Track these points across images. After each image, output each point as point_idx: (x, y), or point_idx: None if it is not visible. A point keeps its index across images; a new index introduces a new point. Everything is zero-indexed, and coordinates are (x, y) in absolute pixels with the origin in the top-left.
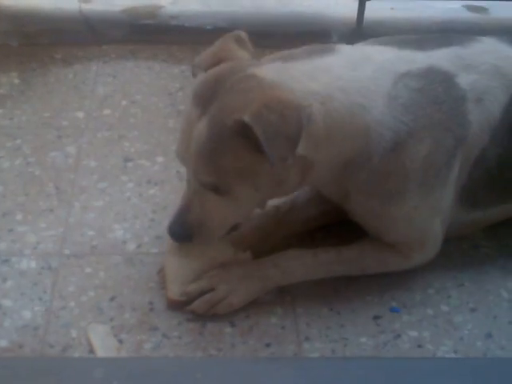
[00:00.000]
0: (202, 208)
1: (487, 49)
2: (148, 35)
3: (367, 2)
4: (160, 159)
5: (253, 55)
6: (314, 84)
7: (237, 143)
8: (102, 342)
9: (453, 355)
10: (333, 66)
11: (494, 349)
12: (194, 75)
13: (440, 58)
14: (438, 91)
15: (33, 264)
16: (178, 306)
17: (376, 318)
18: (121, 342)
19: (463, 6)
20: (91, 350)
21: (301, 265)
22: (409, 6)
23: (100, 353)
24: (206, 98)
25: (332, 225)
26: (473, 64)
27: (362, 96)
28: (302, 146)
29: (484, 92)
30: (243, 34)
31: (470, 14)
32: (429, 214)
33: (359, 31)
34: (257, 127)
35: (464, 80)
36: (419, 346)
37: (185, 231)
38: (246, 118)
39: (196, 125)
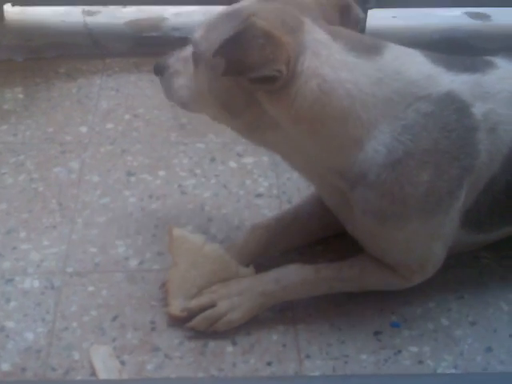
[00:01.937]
0: (181, 64)
1: (504, 75)
2: (152, 47)
3: (369, 11)
4: (162, 173)
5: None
6: (328, 71)
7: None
8: (104, 364)
9: (453, 370)
10: (360, 70)
11: (494, 363)
12: None
13: (462, 84)
14: (451, 119)
15: (36, 283)
16: (179, 321)
17: (377, 333)
18: (123, 363)
19: (464, 12)
20: (93, 373)
21: (302, 281)
22: (410, 15)
23: (102, 375)
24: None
25: (333, 239)
26: (490, 92)
27: (364, 111)
28: (268, 101)
29: (498, 122)
30: (356, 8)
31: (472, 20)
32: (429, 239)
33: None
34: (242, 27)
35: (479, 110)
36: (420, 362)
37: (160, 66)
38: (250, 19)
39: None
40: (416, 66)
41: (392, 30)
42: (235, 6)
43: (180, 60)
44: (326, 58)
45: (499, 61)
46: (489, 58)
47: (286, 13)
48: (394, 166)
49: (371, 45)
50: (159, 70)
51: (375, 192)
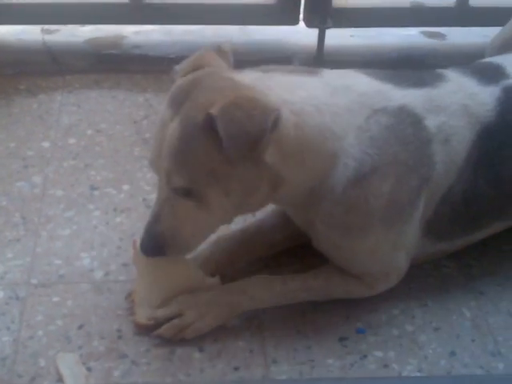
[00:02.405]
0: (174, 217)
1: (455, 88)
2: (112, 65)
3: (327, 30)
4: (126, 187)
5: (232, 67)
6: (288, 95)
7: (207, 141)
8: (71, 371)
9: (418, 374)
10: (311, 86)
11: (457, 367)
12: (173, 81)
13: (413, 98)
14: (407, 132)
15: (0, 294)
16: (145, 330)
17: (342, 339)
18: (89, 370)
19: (421, 32)
20: (60, 379)
21: (269, 292)
22: (368, 34)
23: (69, 382)
24: (179, 99)
25: (297, 249)
26: (442, 105)
27: (334, 122)
28: (270, 153)
29: (451, 133)
30: (226, 46)
31: (428, 39)
32: (391, 249)
33: (320, 58)
34: (221, 121)
35: (432, 122)
36: (385, 366)
37: (157, 244)
38: (214, 112)
39: (168, 126)
40: (361, 82)
41: (350, 48)
42: (175, 131)
43: (170, 220)
44: (276, 87)
45: (449, 73)
46: (440, 70)
47: (214, 81)
48: (360, 181)
49: (305, 69)
50: (159, 247)
51: (341, 206)
